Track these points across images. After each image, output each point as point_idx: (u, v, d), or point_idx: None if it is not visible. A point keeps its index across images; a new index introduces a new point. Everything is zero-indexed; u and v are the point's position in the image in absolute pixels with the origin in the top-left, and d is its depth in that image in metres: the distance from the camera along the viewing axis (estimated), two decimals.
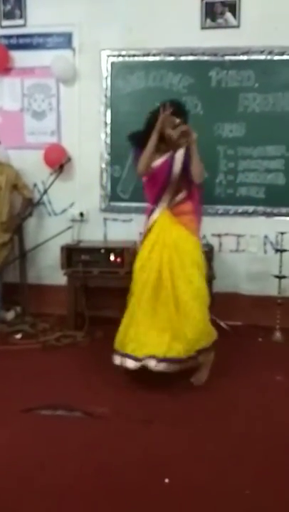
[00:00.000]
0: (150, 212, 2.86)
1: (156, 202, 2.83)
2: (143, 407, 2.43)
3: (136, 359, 2.61)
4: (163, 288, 2.68)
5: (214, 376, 2.79)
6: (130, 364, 2.62)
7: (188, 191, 2.84)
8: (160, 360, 2.55)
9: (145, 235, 2.87)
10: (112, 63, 3.84)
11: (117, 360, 2.72)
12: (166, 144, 2.76)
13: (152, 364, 2.54)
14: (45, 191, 3.86)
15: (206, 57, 3.71)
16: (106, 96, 3.86)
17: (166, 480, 1.82)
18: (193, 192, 2.85)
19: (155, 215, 2.82)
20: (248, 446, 2.08)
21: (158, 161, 2.77)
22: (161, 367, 2.55)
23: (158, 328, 2.66)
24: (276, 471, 1.91)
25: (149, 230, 2.84)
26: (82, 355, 3.16)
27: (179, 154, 2.76)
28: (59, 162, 3.74)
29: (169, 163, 2.76)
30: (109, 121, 3.88)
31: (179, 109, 2.76)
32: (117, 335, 2.81)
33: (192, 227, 2.80)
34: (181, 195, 2.82)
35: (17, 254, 3.87)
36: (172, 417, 2.32)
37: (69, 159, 3.81)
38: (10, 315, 3.83)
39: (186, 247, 2.73)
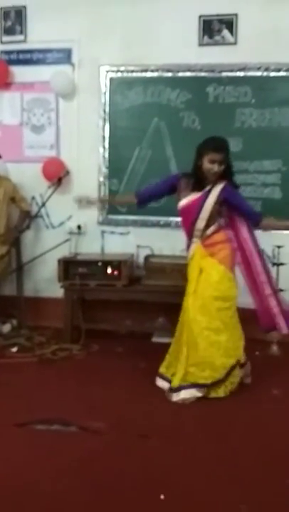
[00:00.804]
0: (188, 247, 2.88)
1: (190, 236, 2.84)
2: (139, 421, 2.41)
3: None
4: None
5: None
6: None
7: (225, 220, 2.85)
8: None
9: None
10: (111, 79, 3.90)
11: None
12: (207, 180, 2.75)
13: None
14: (43, 204, 3.88)
15: (203, 74, 3.77)
16: (104, 111, 3.91)
17: (162, 496, 1.80)
18: (232, 220, 2.87)
19: (191, 251, 2.84)
20: (245, 461, 2.06)
21: (190, 198, 2.78)
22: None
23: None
24: (272, 486, 1.89)
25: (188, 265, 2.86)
26: (78, 369, 3.14)
27: (216, 191, 2.75)
28: (57, 175, 3.76)
29: (202, 199, 2.76)
30: (107, 135, 3.92)
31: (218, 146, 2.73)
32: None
33: (222, 255, 2.79)
34: (212, 228, 2.81)
35: (14, 266, 3.87)
36: (168, 432, 2.30)
37: (67, 172, 3.84)
38: (6, 328, 3.81)
39: (210, 278, 2.74)
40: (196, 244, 2.82)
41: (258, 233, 3.74)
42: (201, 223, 2.78)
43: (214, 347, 2.69)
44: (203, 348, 2.66)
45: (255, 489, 1.86)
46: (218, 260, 2.77)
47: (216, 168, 2.70)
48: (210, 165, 2.70)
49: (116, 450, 2.13)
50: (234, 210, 2.84)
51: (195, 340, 2.67)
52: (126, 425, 2.35)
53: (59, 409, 2.49)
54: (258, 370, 3.15)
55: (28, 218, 3.85)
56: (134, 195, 3.03)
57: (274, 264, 3.57)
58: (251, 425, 2.39)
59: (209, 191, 2.76)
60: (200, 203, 2.76)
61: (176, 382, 2.66)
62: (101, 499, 1.79)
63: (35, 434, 2.28)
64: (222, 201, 2.76)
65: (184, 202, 2.80)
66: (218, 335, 2.72)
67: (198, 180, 2.76)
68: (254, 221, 2.87)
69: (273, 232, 3.75)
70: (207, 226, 2.79)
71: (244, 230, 2.89)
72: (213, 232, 2.81)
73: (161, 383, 2.80)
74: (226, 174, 2.77)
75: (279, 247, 3.53)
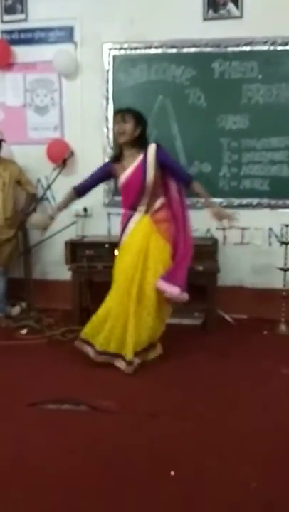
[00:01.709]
0: (127, 218, 2.90)
1: (132, 208, 2.87)
2: (148, 400, 2.43)
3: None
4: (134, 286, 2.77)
5: (219, 369, 2.79)
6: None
7: (166, 198, 2.90)
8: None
9: (121, 239, 2.94)
10: (114, 56, 3.83)
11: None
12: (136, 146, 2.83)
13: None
14: (49, 186, 3.86)
15: (208, 49, 3.69)
16: (108, 90, 3.85)
17: (172, 472, 1.83)
18: (170, 199, 2.92)
19: (132, 222, 2.87)
20: (254, 439, 2.08)
21: (129, 170, 2.82)
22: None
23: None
24: (282, 463, 1.91)
25: (127, 235, 2.90)
26: None
27: (150, 154, 2.79)
28: (62, 157, 3.72)
29: (141, 167, 2.80)
30: (111, 115, 3.86)
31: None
32: None
33: (167, 235, 2.85)
34: (158, 203, 2.86)
35: (22, 250, 3.88)
36: (177, 410, 2.32)
37: (72, 154, 3.80)
38: (15, 310, 3.85)
39: (161, 256, 2.81)
40: (144, 216, 2.84)
41: (266, 212, 3.76)
42: (147, 193, 2.81)
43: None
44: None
45: (265, 467, 1.88)
46: (165, 240, 2.84)
47: (120, 128, 2.78)
48: (115, 128, 2.82)
49: (126, 428, 2.15)
50: (168, 171, 2.88)
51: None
52: (135, 404, 2.38)
53: (69, 390, 2.52)
54: (266, 350, 3.16)
55: (34, 201, 3.84)
56: (73, 190, 3.00)
57: (282, 242, 3.54)
58: (261, 404, 2.40)
59: (145, 157, 2.79)
60: (141, 171, 2.79)
61: (130, 356, 2.71)
62: (112, 477, 1.82)
63: (46, 413, 2.31)
64: (159, 163, 2.81)
65: (124, 175, 2.83)
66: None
67: (121, 151, 2.87)
68: (185, 182, 2.92)
69: (281, 210, 3.74)
70: (152, 199, 2.84)
71: (174, 190, 2.93)
72: (158, 209, 2.86)
73: (85, 349, 2.85)
74: (143, 141, 2.83)
75: (287, 225, 3.50)
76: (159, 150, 2.82)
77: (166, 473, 1.83)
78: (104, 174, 2.99)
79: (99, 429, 2.15)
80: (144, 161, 2.80)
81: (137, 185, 2.81)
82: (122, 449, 2.00)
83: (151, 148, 2.81)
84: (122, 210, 3.00)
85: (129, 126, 2.79)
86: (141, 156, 2.81)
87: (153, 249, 2.80)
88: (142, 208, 2.86)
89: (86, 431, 2.14)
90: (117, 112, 2.90)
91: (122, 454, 1.97)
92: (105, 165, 3.05)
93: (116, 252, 3.01)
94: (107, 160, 3.89)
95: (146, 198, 2.83)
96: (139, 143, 2.83)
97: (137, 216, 2.87)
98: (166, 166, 2.86)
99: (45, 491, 1.76)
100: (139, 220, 2.86)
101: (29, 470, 1.87)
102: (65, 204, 3.00)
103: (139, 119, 2.84)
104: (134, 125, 2.80)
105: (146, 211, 2.85)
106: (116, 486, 1.78)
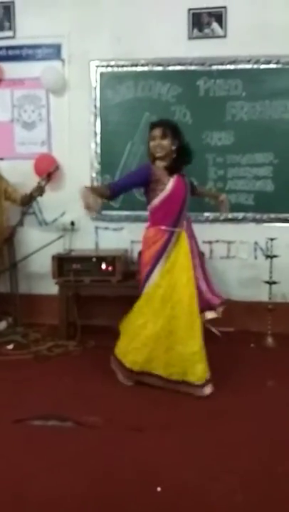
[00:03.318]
0: (169, 235, 2.71)
1: (175, 224, 2.71)
2: (134, 415, 2.42)
3: None
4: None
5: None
6: None
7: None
8: None
9: (158, 257, 2.72)
10: (101, 73, 3.88)
11: None
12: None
13: None
14: (34, 199, 3.84)
15: (193, 67, 3.77)
16: (95, 106, 3.90)
17: (159, 489, 1.82)
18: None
19: (173, 241, 2.71)
20: (240, 452, 2.08)
21: (173, 180, 2.71)
22: None
23: None
24: (266, 476, 1.91)
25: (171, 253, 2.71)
26: (74, 365, 3.14)
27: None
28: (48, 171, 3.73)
29: (183, 181, 2.76)
30: (99, 130, 3.92)
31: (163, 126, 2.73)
32: None
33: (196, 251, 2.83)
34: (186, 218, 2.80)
35: (8, 264, 3.86)
36: (163, 425, 2.32)
37: (57, 168, 3.81)
38: (2, 325, 3.82)
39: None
40: (184, 232, 2.73)
41: (252, 226, 3.81)
42: (188, 206, 2.77)
43: None
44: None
45: (250, 479, 1.88)
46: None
47: (156, 142, 2.68)
48: (152, 142, 2.71)
49: (112, 444, 2.14)
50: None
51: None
52: (122, 419, 2.36)
53: (55, 405, 2.50)
54: (252, 362, 3.18)
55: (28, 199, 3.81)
56: (107, 187, 2.75)
57: (267, 256, 3.59)
58: (246, 417, 2.41)
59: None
60: (184, 185, 2.75)
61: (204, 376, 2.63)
62: (98, 493, 1.81)
63: (32, 429, 2.29)
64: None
65: (171, 182, 2.70)
66: None
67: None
68: (194, 188, 2.96)
69: (266, 224, 3.80)
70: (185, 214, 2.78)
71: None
72: (187, 224, 2.79)
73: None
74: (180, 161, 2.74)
75: (272, 239, 3.55)
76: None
77: (153, 488, 1.82)
78: (142, 179, 2.71)
79: (85, 445, 2.14)
80: (182, 177, 2.76)
81: (184, 194, 2.72)
82: (109, 465, 1.98)
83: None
84: (150, 227, 2.77)
85: (167, 141, 2.69)
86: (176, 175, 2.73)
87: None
88: (183, 223, 2.74)
89: (72, 447, 2.13)
90: (155, 127, 2.72)
91: (109, 469, 1.95)
92: (146, 168, 2.74)
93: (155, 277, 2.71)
94: (94, 175, 3.96)
95: (184, 218, 2.75)
96: (176, 159, 2.73)
97: (178, 232, 2.72)
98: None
99: (31, 507, 1.73)
100: (181, 236, 2.72)
101: (14, 486, 1.85)
102: (97, 193, 2.68)
103: (177, 133, 2.73)
104: (171, 140, 2.70)
105: (183, 226, 2.74)
106: (103, 502, 1.76)
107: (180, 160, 2.75)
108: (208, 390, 2.63)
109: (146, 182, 2.70)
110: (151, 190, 2.72)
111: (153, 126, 2.75)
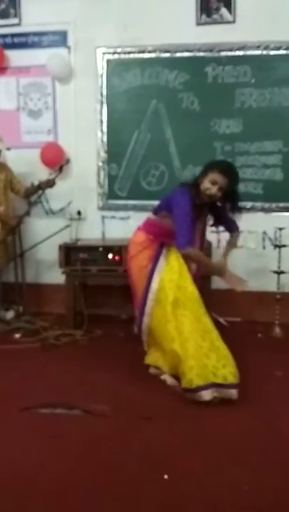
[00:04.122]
0: (160, 245, 2.75)
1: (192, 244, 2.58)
2: (142, 404, 2.42)
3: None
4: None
5: None
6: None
7: None
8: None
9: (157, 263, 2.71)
10: (108, 61, 3.84)
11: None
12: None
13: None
14: (43, 190, 3.84)
15: (201, 53, 3.71)
16: (102, 94, 3.86)
17: (166, 476, 1.82)
18: None
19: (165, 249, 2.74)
20: (247, 442, 2.07)
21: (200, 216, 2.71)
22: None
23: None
24: (274, 467, 1.90)
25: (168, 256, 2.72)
26: (81, 354, 3.15)
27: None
28: (55, 160, 3.72)
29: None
30: (105, 119, 3.88)
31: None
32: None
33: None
34: None
35: (14, 253, 3.85)
36: (171, 414, 2.31)
37: (68, 161, 3.79)
38: (9, 314, 3.83)
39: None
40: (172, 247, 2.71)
41: (260, 215, 3.77)
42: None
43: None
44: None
45: (257, 470, 1.87)
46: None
47: (213, 190, 2.51)
48: (208, 185, 2.51)
49: (120, 432, 2.14)
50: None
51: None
52: (129, 408, 2.36)
53: (63, 394, 2.50)
54: (260, 352, 3.16)
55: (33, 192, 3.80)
56: (198, 249, 2.68)
57: (276, 246, 3.56)
58: (254, 407, 2.40)
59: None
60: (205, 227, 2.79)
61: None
62: (106, 481, 1.81)
63: (39, 418, 2.29)
64: None
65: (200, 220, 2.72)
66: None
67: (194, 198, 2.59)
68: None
69: (275, 214, 3.76)
70: None
71: None
72: None
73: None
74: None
75: (281, 229, 3.51)
76: None
77: (160, 476, 1.82)
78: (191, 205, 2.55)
79: (93, 433, 2.14)
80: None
81: (200, 239, 2.77)
82: (116, 453, 1.98)
83: None
84: (142, 230, 2.82)
85: (220, 194, 2.55)
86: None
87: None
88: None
89: (80, 435, 2.13)
90: (224, 175, 2.51)
91: (116, 457, 1.96)
92: (190, 200, 2.55)
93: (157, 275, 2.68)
94: (100, 164, 3.92)
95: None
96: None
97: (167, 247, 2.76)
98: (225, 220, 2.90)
99: (39, 495, 1.74)
100: (172, 248, 2.74)
101: (23, 475, 1.86)
102: (211, 267, 2.73)
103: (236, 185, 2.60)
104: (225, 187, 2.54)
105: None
106: (110, 489, 1.77)
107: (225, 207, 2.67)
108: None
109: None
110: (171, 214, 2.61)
111: (220, 170, 2.51)
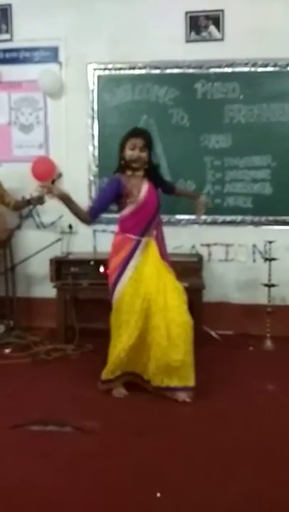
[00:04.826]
0: (134, 245, 2.68)
1: (143, 233, 2.68)
2: (133, 420, 2.41)
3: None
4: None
5: (205, 386, 2.78)
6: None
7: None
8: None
9: (125, 265, 2.69)
10: (99, 76, 3.88)
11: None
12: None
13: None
14: (34, 207, 3.84)
15: (191, 70, 3.77)
16: (93, 109, 3.90)
17: (158, 494, 1.80)
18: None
19: (141, 249, 2.68)
20: (239, 458, 2.07)
21: (145, 188, 2.68)
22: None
23: None
24: (267, 483, 1.90)
25: (138, 263, 2.68)
26: (72, 369, 3.13)
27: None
28: (46, 174, 3.72)
29: (154, 188, 2.73)
30: (96, 133, 3.91)
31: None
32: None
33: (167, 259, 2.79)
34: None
35: (5, 267, 3.84)
36: (162, 430, 2.30)
37: (60, 175, 3.79)
38: (0, 329, 3.80)
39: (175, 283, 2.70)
40: (152, 241, 2.70)
41: (250, 229, 3.81)
42: (158, 213, 2.75)
43: None
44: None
45: (251, 485, 1.87)
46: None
47: (135, 153, 2.62)
48: (130, 151, 2.63)
49: (111, 449, 2.13)
50: (160, 187, 2.85)
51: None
52: (121, 424, 2.35)
53: (54, 410, 2.48)
54: (252, 365, 3.17)
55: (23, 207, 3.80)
56: (88, 213, 2.73)
57: (266, 259, 3.59)
58: (246, 421, 2.40)
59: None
60: (156, 196, 2.73)
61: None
62: (97, 498, 1.79)
63: (30, 435, 2.27)
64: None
65: (142, 192, 2.66)
66: None
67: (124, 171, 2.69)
68: (173, 189, 3.03)
69: (264, 227, 3.80)
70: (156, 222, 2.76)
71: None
72: (158, 228, 2.77)
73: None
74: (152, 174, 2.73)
75: (270, 242, 3.54)
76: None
77: (153, 494, 1.81)
78: (115, 195, 2.67)
79: (84, 450, 2.12)
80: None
81: (155, 203, 2.70)
82: (108, 470, 1.97)
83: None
84: (118, 233, 2.76)
85: (145, 154, 2.65)
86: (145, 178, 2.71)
87: (165, 275, 2.68)
88: (152, 232, 2.71)
89: (71, 452, 2.11)
90: (137, 136, 2.66)
91: (108, 474, 1.94)
92: (116, 182, 2.68)
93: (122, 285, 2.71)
94: (92, 178, 3.95)
95: (154, 226, 2.73)
96: (147, 167, 2.71)
97: (145, 241, 2.69)
98: (161, 183, 2.84)
99: None
100: (150, 245, 2.69)
101: (12, 492, 1.83)
102: (74, 211, 2.71)
103: (151, 144, 2.72)
104: (148, 152, 2.67)
105: (152, 235, 2.71)
106: (102, 507, 1.75)
107: (152, 172, 2.74)
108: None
109: (118, 196, 2.68)
110: (121, 202, 2.71)
111: (134, 134, 2.67)
